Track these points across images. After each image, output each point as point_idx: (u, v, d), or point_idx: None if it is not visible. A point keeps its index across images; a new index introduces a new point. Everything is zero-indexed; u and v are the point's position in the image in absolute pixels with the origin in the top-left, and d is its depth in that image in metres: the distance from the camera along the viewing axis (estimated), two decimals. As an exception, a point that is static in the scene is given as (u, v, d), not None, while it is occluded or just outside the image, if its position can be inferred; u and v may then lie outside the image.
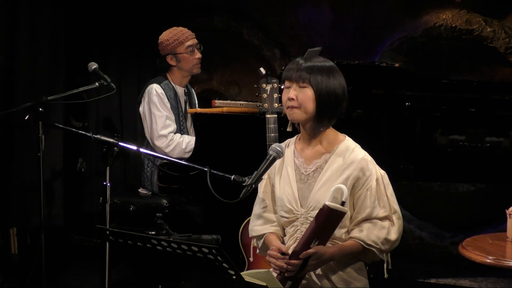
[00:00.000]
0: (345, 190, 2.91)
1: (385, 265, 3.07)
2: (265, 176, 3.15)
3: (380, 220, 3.01)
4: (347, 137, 3.11)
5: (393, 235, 3.02)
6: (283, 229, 3.16)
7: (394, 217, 3.03)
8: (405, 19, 5.80)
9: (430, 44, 5.78)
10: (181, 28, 4.89)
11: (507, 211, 3.61)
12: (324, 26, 6.01)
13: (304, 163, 3.09)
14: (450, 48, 5.77)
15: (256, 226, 3.20)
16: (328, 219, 2.87)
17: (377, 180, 3.02)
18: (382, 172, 3.07)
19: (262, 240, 3.18)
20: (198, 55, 4.89)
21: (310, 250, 2.90)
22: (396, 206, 3.05)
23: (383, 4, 5.84)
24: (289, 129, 3.13)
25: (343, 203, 2.88)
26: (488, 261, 3.36)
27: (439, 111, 4.67)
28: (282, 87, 3.07)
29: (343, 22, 5.96)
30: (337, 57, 5.49)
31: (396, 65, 4.77)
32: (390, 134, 4.56)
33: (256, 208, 3.22)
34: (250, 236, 3.25)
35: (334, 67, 3.04)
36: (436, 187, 5.86)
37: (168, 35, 4.85)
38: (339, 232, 3.01)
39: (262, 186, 3.20)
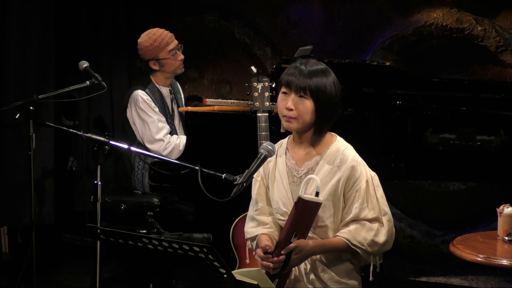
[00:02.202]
0: (318, 180, 2.91)
1: (371, 268, 3.03)
2: (258, 178, 3.16)
3: (369, 222, 2.99)
4: (338, 137, 3.10)
5: (382, 237, 2.99)
6: (279, 230, 3.13)
7: (384, 219, 3.00)
8: (396, 18, 5.81)
9: (421, 43, 5.78)
10: (160, 32, 4.77)
11: (498, 210, 3.62)
12: (315, 25, 6.01)
13: (296, 165, 3.08)
14: (441, 47, 5.77)
15: (250, 228, 3.19)
16: (304, 212, 2.88)
17: (367, 181, 3.00)
18: (373, 173, 3.05)
19: (255, 242, 3.17)
20: (180, 56, 4.82)
21: (291, 245, 2.90)
22: (386, 208, 3.03)
23: (374, 3, 5.84)
24: (282, 130, 3.10)
25: (317, 194, 2.89)
26: (479, 259, 3.37)
27: (430, 109, 4.67)
28: (280, 92, 3.02)
29: (334, 21, 5.96)
30: (328, 55, 5.54)
31: (387, 63, 4.77)
32: (381, 133, 4.57)
33: (250, 210, 3.21)
34: (245, 238, 3.25)
35: (327, 69, 3.01)
36: (427, 185, 5.87)
37: (148, 41, 4.73)
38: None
39: (255, 188, 3.18)
